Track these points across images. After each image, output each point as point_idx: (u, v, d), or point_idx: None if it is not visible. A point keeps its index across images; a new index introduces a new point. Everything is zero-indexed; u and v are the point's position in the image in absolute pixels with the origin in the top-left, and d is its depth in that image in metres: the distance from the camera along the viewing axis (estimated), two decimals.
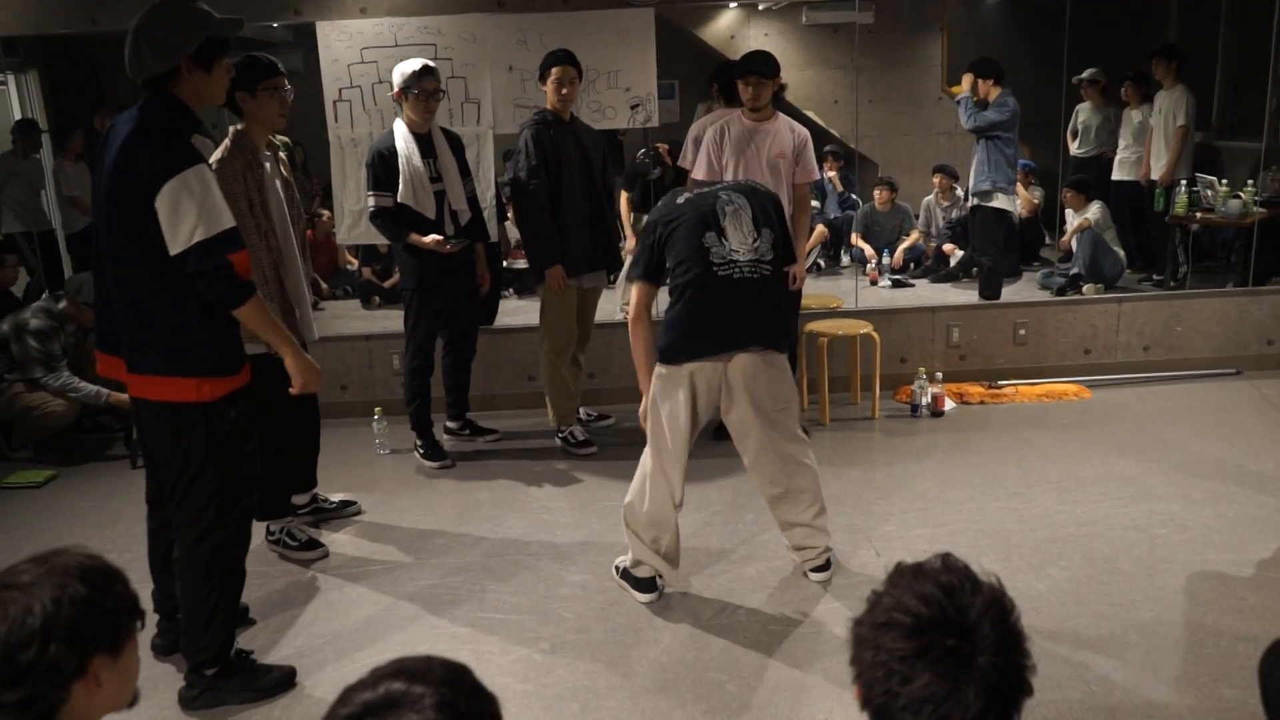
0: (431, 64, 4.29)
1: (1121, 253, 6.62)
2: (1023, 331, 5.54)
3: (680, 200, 3.19)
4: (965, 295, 6.60)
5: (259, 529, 3.45)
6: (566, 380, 4.71)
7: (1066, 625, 3.05)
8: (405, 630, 3.23)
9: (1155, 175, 6.63)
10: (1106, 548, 3.54)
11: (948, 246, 7.44)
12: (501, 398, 5.40)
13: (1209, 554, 3.47)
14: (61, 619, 1.30)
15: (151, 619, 3.06)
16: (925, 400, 5.06)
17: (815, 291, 6.12)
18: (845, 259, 7.88)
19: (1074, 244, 6.65)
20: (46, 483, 4.70)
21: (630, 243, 5.98)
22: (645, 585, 3.33)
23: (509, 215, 5.92)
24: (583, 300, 4.72)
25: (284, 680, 2.92)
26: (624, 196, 6.39)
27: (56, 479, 4.75)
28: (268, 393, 3.35)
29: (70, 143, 6.61)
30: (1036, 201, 7.43)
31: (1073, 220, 6.75)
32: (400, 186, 4.25)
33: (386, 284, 7.01)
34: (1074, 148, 7.26)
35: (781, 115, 4.52)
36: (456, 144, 4.49)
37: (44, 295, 5.65)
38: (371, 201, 4.31)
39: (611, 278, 4.89)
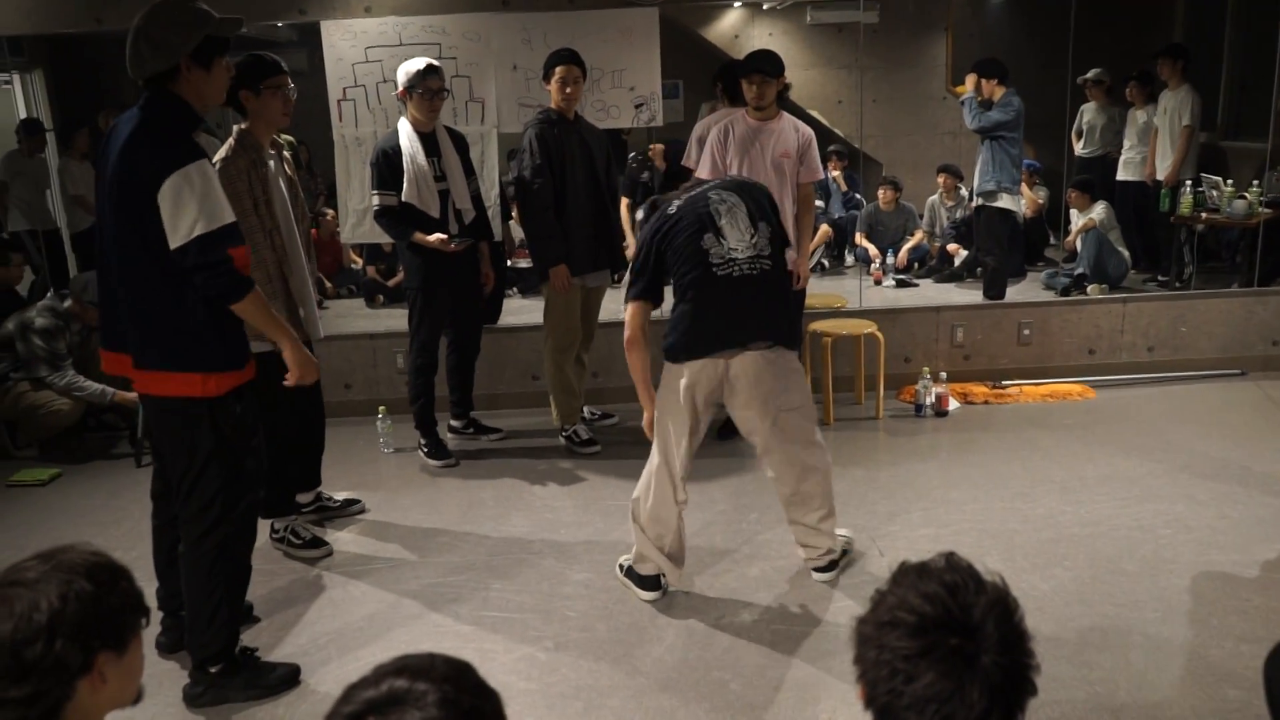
0: (436, 63, 4.29)
1: (1126, 253, 6.61)
2: (1027, 332, 5.53)
3: (671, 210, 3.16)
4: (969, 295, 6.60)
5: (263, 527, 3.45)
6: (570, 379, 4.71)
7: (1070, 625, 3.05)
8: (409, 628, 3.23)
9: (1160, 175, 6.62)
10: (1111, 548, 3.54)
11: (952, 246, 7.43)
12: (505, 397, 5.40)
13: (1213, 555, 3.46)
14: (67, 615, 1.30)
15: (156, 617, 3.07)
16: (929, 400, 5.05)
17: (819, 291, 6.11)
18: (849, 259, 7.88)
19: (1079, 244, 6.64)
20: (51, 481, 4.71)
21: (632, 243, 5.99)
22: (649, 583, 3.33)
23: (513, 214, 5.92)
24: (586, 299, 4.72)
25: (288, 678, 2.93)
26: (624, 203, 6.38)
27: (61, 477, 4.76)
28: (273, 391, 3.35)
29: (75, 142, 6.62)
30: (1041, 201, 7.42)
31: (1077, 220, 6.74)
32: (405, 185, 4.25)
33: (391, 283, 7.02)
34: (1079, 148, 7.25)
35: (786, 114, 4.51)
36: (461, 143, 4.49)
37: (49, 294, 5.66)
38: (376, 200, 4.31)
39: (616, 277, 4.89)
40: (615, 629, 3.17)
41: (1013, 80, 5.88)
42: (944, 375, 5.15)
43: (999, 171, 5.86)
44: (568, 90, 4.43)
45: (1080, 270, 6.51)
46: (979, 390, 5.34)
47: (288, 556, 3.74)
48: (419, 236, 4.28)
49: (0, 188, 6.53)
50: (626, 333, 3.19)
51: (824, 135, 7.37)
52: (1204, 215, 6.33)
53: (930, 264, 7.52)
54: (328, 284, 7.11)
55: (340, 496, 4.17)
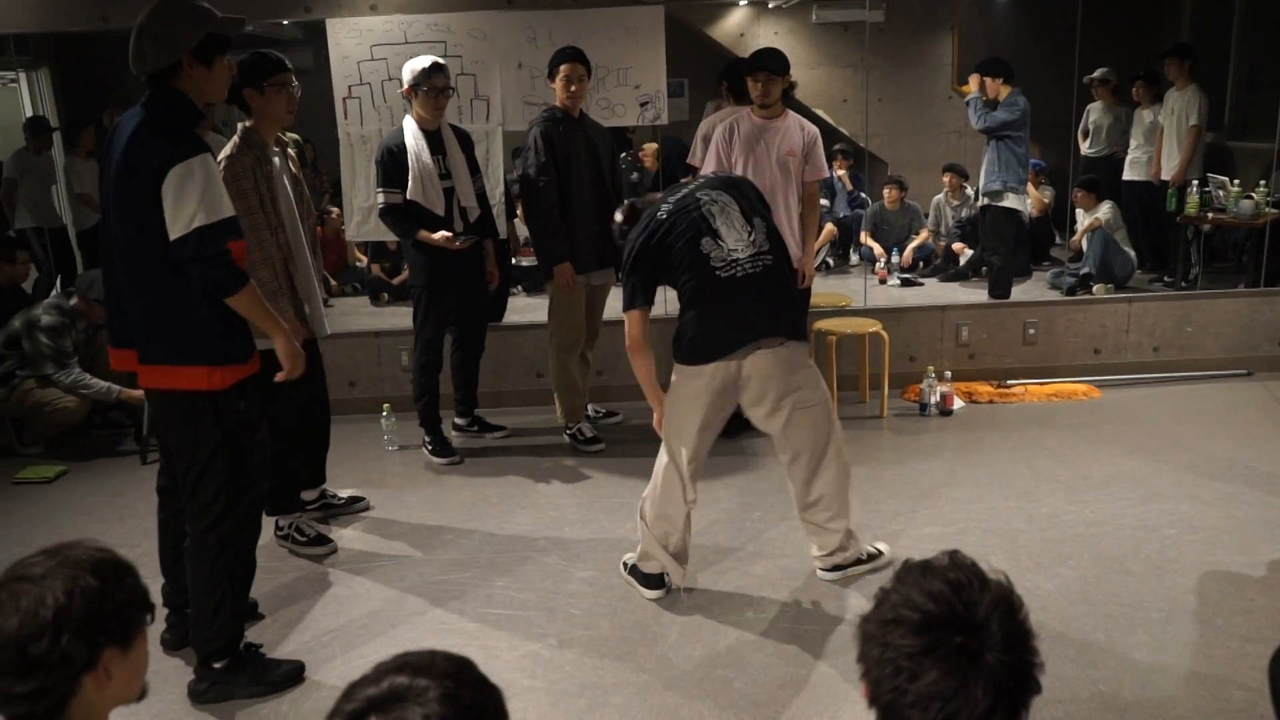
0: (441, 61, 4.30)
1: (1132, 253, 6.59)
2: (1032, 331, 5.52)
3: (661, 214, 3.12)
4: (974, 294, 6.59)
5: (268, 524, 3.46)
6: (575, 377, 4.71)
7: (1075, 625, 3.05)
8: (413, 625, 3.24)
9: (1166, 175, 6.61)
10: (1115, 548, 3.53)
11: (957, 245, 7.42)
12: (510, 394, 5.41)
13: (1219, 555, 3.46)
14: (73, 611, 1.30)
15: (160, 614, 3.08)
16: (934, 399, 5.05)
17: (824, 290, 6.11)
18: (854, 257, 7.87)
19: (1084, 244, 6.63)
20: (57, 478, 4.72)
21: None
22: (653, 582, 3.33)
23: (518, 212, 5.91)
24: (591, 297, 4.72)
25: (292, 675, 2.94)
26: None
27: (67, 474, 4.77)
28: (278, 388, 3.36)
29: (81, 140, 6.64)
30: (1047, 201, 7.41)
31: (1083, 220, 6.73)
32: (410, 183, 4.25)
33: (395, 281, 7.02)
34: (1085, 147, 7.23)
35: (791, 113, 4.51)
36: (466, 141, 4.50)
37: (55, 292, 5.67)
38: (381, 198, 4.32)
39: (620, 275, 4.88)
40: (619, 627, 3.17)
41: (1018, 79, 5.87)
42: (949, 374, 5.14)
43: (1005, 171, 5.85)
44: (572, 88, 4.43)
45: (1086, 270, 6.50)
46: (984, 389, 5.34)
47: (292, 554, 3.75)
48: (424, 234, 4.28)
49: (9, 185, 6.55)
50: (629, 341, 3.18)
51: (829, 134, 7.37)
52: (1210, 215, 6.31)
53: (935, 263, 7.52)
54: (332, 282, 7.12)
55: (345, 494, 4.18)
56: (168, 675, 2.97)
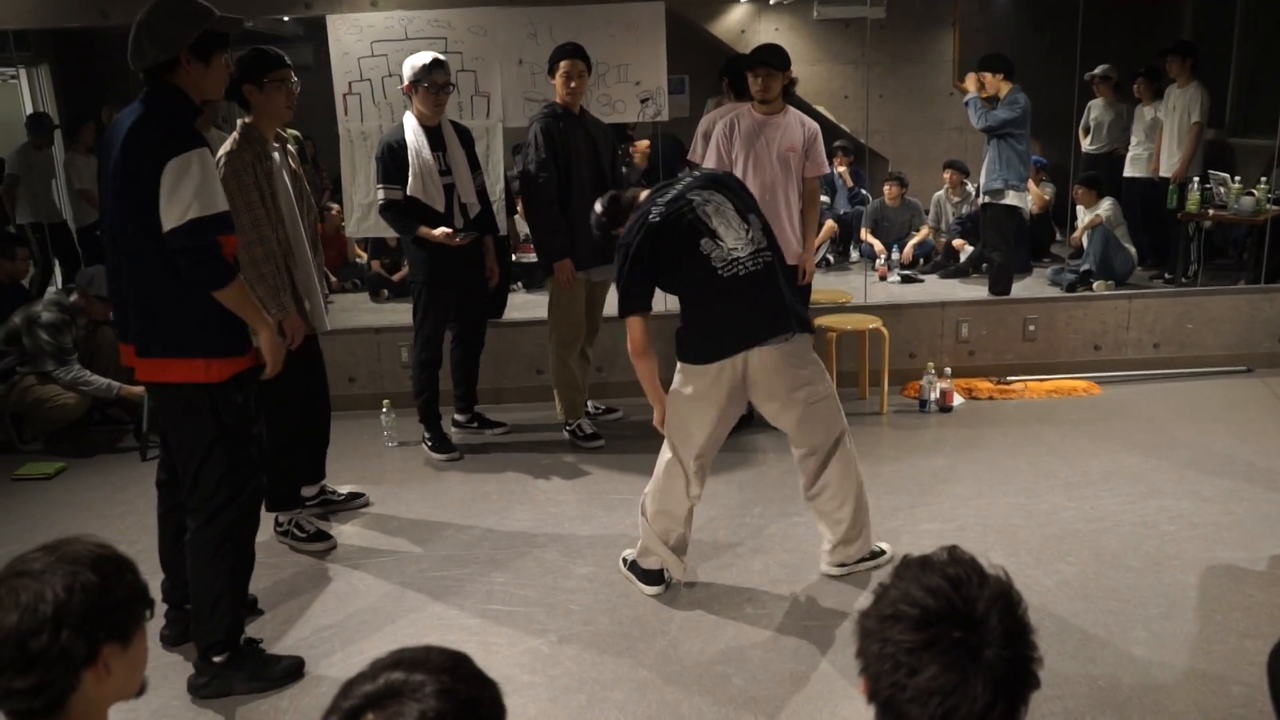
0: (441, 57, 4.29)
1: (1133, 250, 6.59)
2: (1032, 327, 5.52)
3: (653, 218, 3.07)
4: (975, 291, 6.59)
5: (267, 520, 3.47)
6: (574, 374, 4.71)
7: (1074, 621, 3.05)
8: (412, 621, 3.24)
9: (1165, 171, 6.60)
10: (1115, 544, 3.54)
11: (957, 242, 7.42)
12: (510, 391, 5.41)
13: (1218, 551, 3.46)
14: (73, 606, 1.30)
15: (160, 610, 3.08)
16: (934, 395, 5.05)
17: (824, 286, 6.11)
18: (855, 254, 7.87)
19: (1085, 240, 6.63)
20: (57, 474, 4.72)
21: None
22: (652, 578, 3.33)
23: (518, 209, 5.92)
24: (591, 294, 4.72)
25: (292, 670, 2.94)
26: None
27: (67, 471, 4.77)
28: (279, 384, 3.36)
29: (81, 136, 6.65)
30: (1048, 198, 7.41)
31: (1084, 217, 6.73)
32: (410, 180, 4.25)
33: (395, 277, 7.03)
34: (1086, 144, 7.23)
35: (792, 109, 4.51)
36: (466, 137, 4.49)
37: (55, 288, 5.68)
38: (381, 194, 4.31)
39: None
40: (618, 622, 3.17)
41: (1020, 76, 5.86)
42: (949, 371, 5.14)
43: (1006, 169, 5.84)
44: (572, 85, 4.43)
45: (1086, 266, 6.50)
46: (984, 386, 5.33)
47: (292, 550, 3.75)
48: (424, 231, 4.28)
49: (11, 181, 6.55)
50: (632, 346, 3.17)
51: (830, 130, 7.35)
52: (1211, 212, 6.31)
53: (936, 259, 7.52)
54: (332, 278, 7.12)
55: (344, 490, 4.18)
56: (167, 671, 2.97)
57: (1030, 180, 6.42)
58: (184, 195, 2.56)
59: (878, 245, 7.51)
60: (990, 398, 5.23)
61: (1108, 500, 3.90)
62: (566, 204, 4.46)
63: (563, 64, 4.41)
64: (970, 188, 7.43)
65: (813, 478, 3.28)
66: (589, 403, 5.00)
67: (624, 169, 6.28)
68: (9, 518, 4.23)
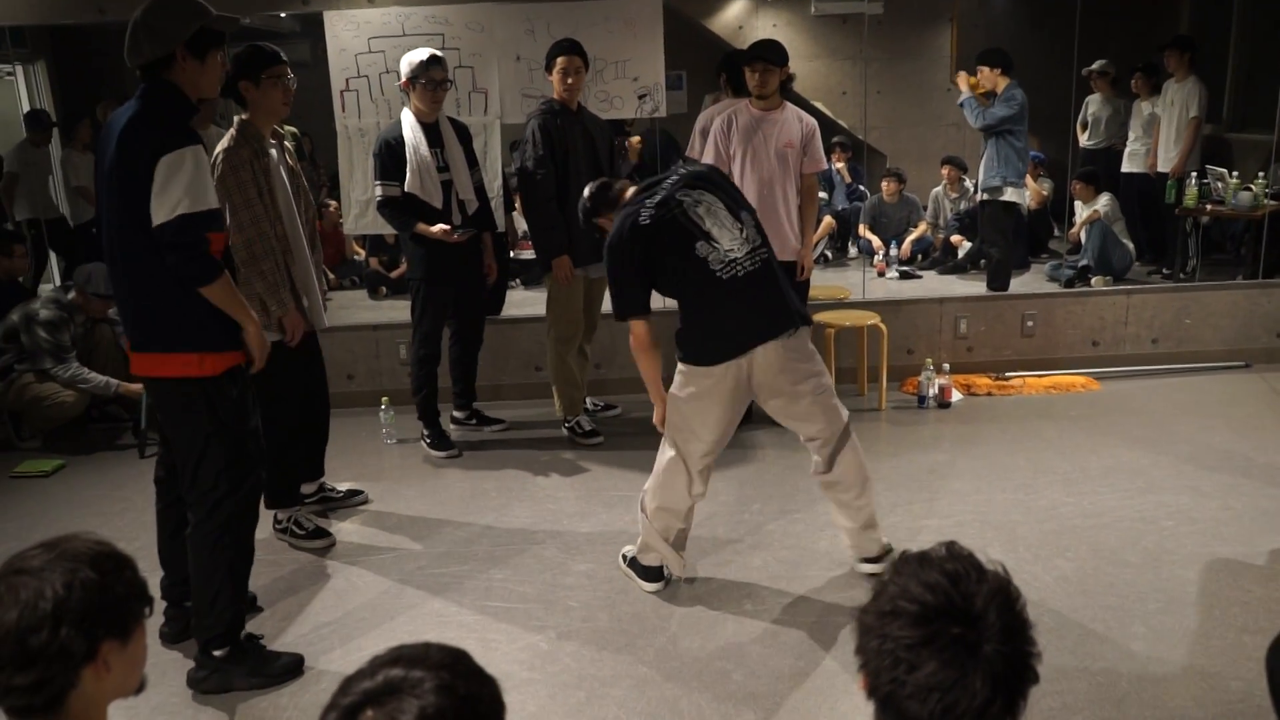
0: (439, 54, 4.29)
1: (1131, 245, 6.59)
2: (1031, 323, 5.52)
3: (643, 220, 3.03)
4: (973, 287, 6.59)
5: (266, 518, 3.46)
6: (573, 370, 4.71)
7: (1072, 616, 3.05)
8: (411, 618, 3.24)
9: (1162, 167, 6.60)
10: (1114, 539, 3.54)
11: (955, 238, 7.42)
12: (508, 388, 5.40)
13: (1217, 546, 3.46)
14: (72, 603, 1.30)
15: (159, 608, 3.08)
16: (932, 391, 5.05)
17: (823, 282, 6.12)
18: (853, 250, 7.87)
19: (1083, 236, 6.63)
20: (55, 472, 4.72)
21: None
22: (652, 574, 3.33)
23: (516, 205, 5.92)
24: (589, 291, 4.72)
25: (292, 667, 2.94)
26: None
27: (65, 468, 4.77)
28: (277, 381, 3.37)
29: (78, 133, 6.64)
30: (1045, 193, 7.40)
31: (1082, 212, 6.73)
32: (407, 176, 4.25)
33: (393, 274, 7.02)
34: (1084, 140, 7.22)
35: (789, 105, 4.51)
36: (464, 134, 4.49)
37: (52, 287, 5.67)
38: (379, 191, 4.31)
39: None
40: (618, 619, 3.17)
41: (1018, 71, 5.85)
42: (947, 367, 5.15)
43: (1004, 166, 5.84)
44: (569, 81, 4.42)
45: (1084, 262, 6.49)
46: (982, 382, 5.34)
47: (291, 547, 3.75)
48: (422, 227, 4.28)
49: (10, 178, 6.54)
50: (636, 343, 3.15)
51: (828, 126, 7.36)
52: (1209, 207, 6.31)
53: (934, 255, 7.52)
54: (330, 275, 7.12)
55: (343, 487, 4.18)
56: (166, 668, 2.98)
57: (1028, 176, 6.42)
58: (174, 191, 2.57)
59: (876, 241, 7.51)
60: (989, 394, 5.23)
61: (1106, 496, 3.90)
62: (564, 201, 4.45)
63: (560, 60, 4.41)
64: (968, 183, 7.43)
65: (828, 462, 3.24)
66: (587, 399, 5.00)
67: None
68: (7, 515, 4.23)
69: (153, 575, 2.90)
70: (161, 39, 2.65)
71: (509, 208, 5.89)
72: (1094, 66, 6.96)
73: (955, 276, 7.15)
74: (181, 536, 2.94)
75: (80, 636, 1.31)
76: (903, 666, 1.17)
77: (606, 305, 4.90)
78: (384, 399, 4.91)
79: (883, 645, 1.19)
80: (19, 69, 6.57)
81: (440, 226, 4.27)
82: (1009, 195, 5.92)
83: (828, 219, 7.53)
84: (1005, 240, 6.07)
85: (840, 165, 7.99)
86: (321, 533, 3.79)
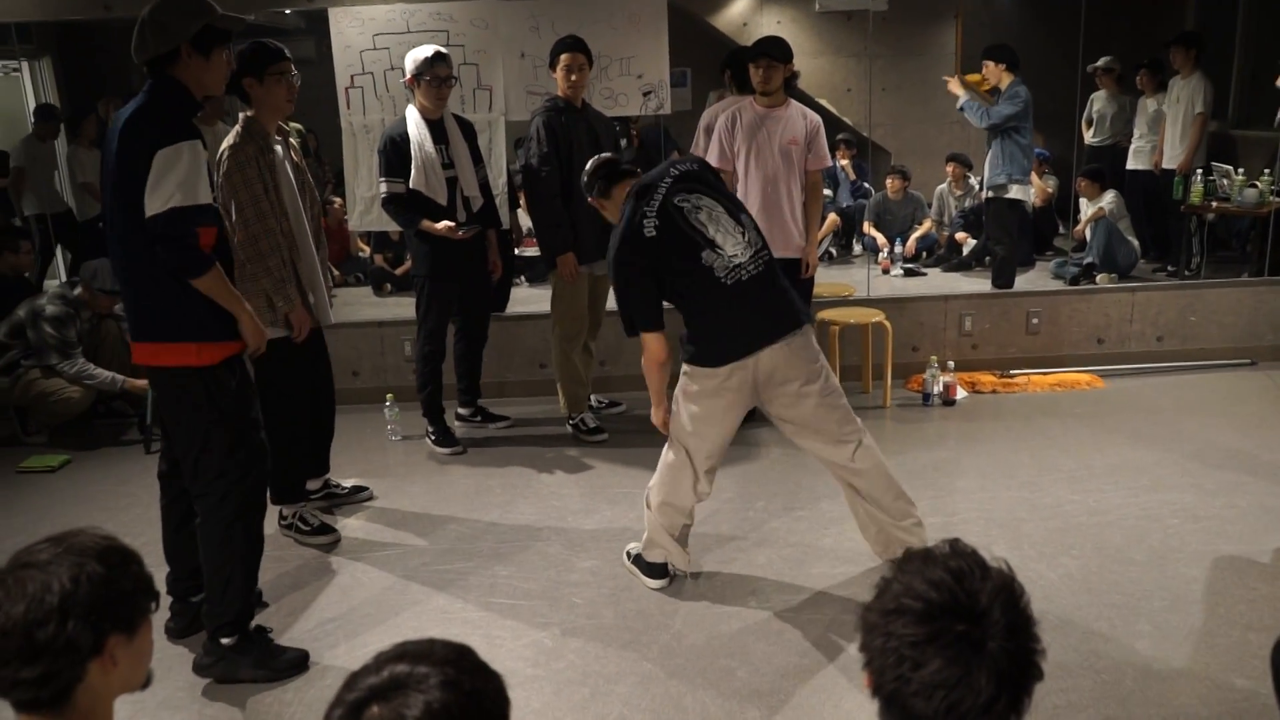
0: (444, 50, 4.29)
1: (1136, 242, 6.57)
2: (1035, 320, 5.51)
3: (648, 232, 3.02)
4: (978, 284, 6.57)
5: (271, 513, 3.47)
6: (578, 367, 4.71)
7: (1077, 614, 3.05)
8: (416, 614, 3.25)
9: (1167, 163, 6.58)
10: (1118, 537, 3.54)
11: (960, 235, 7.40)
12: (513, 385, 5.41)
13: (1222, 544, 3.46)
14: (79, 597, 1.31)
15: (165, 603, 3.09)
16: (937, 389, 5.04)
17: (827, 280, 6.11)
18: (857, 247, 7.85)
19: (1088, 233, 6.61)
20: (61, 467, 4.73)
21: None
22: (657, 571, 3.34)
23: (521, 202, 5.92)
24: (594, 288, 4.72)
25: (297, 663, 2.95)
26: None
27: (71, 463, 4.78)
28: (283, 377, 3.37)
29: (84, 129, 6.64)
30: (1050, 191, 7.39)
31: (1087, 209, 6.71)
32: (412, 173, 4.25)
33: (398, 271, 7.02)
34: (1089, 136, 7.20)
35: (794, 102, 4.50)
36: (469, 130, 4.49)
37: (58, 282, 5.68)
38: (383, 188, 4.31)
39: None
40: (622, 616, 3.17)
41: (1023, 68, 5.83)
42: (952, 364, 5.14)
43: (1009, 164, 5.82)
44: (573, 78, 4.42)
45: (1089, 259, 6.48)
46: (987, 379, 5.33)
47: (297, 543, 3.76)
48: (427, 224, 4.28)
49: (17, 173, 6.56)
50: (650, 357, 3.13)
51: (832, 124, 7.33)
52: (1214, 204, 6.29)
53: (938, 253, 7.50)
54: (335, 272, 7.11)
55: (348, 483, 4.19)
56: (172, 663, 2.98)
57: (1033, 173, 6.40)
58: (168, 184, 2.60)
59: (880, 239, 7.49)
60: (993, 391, 5.22)
61: (1111, 493, 3.90)
62: (569, 198, 4.45)
63: (564, 57, 4.41)
64: (973, 181, 7.41)
65: (844, 466, 3.20)
66: (592, 396, 5.00)
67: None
68: (14, 510, 4.25)
69: (158, 570, 2.91)
70: (167, 35, 2.67)
71: (513, 205, 5.89)
72: (1099, 63, 6.93)
73: (960, 274, 7.13)
74: (185, 531, 2.96)
75: (87, 630, 1.32)
76: (907, 664, 1.17)
77: (612, 303, 4.92)
78: (389, 395, 4.92)
79: (887, 643, 1.19)
80: (25, 65, 6.58)
81: (445, 223, 4.27)
82: (1014, 192, 5.90)
83: (832, 216, 7.51)
84: (1010, 237, 6.06)
85: (845, 162, 7.98)
86: (326, 529, 3.80)
